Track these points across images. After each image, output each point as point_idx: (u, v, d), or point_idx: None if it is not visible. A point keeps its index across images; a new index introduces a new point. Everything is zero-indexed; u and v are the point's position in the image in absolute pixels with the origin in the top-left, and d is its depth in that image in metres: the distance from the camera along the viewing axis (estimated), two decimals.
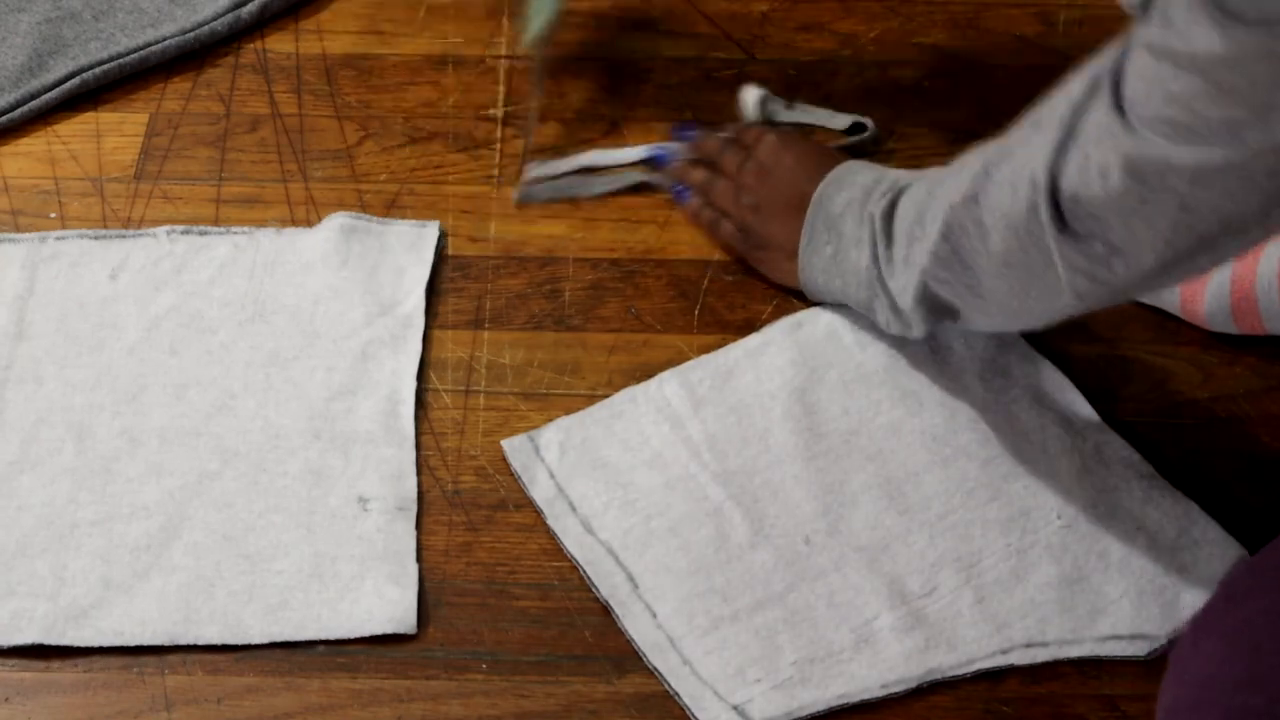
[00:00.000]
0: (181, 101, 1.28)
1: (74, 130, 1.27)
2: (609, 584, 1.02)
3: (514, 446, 1.08)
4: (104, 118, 1.27)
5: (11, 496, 1.06)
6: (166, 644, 1.00)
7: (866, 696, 0.97)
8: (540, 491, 1.06)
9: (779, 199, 1.14)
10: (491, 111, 1.28)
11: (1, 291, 1.15)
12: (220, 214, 1.21)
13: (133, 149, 1.25)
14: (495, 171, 1.24)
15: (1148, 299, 1.13)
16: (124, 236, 1.19)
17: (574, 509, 1.05)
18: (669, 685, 0.97)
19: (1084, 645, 0.98)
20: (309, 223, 1.20)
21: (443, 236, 1.19)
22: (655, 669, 0.98)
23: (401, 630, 1.00)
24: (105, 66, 1.28)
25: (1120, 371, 1.12)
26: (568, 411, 1.10)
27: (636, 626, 1.00)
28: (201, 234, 1.19)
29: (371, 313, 1.14)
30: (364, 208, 1.21)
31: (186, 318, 1.14)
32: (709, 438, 1.08)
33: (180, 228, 1.19)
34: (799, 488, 1.05)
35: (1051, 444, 1.07)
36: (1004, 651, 0.98)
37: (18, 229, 1.20)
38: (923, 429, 1.07)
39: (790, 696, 0.97)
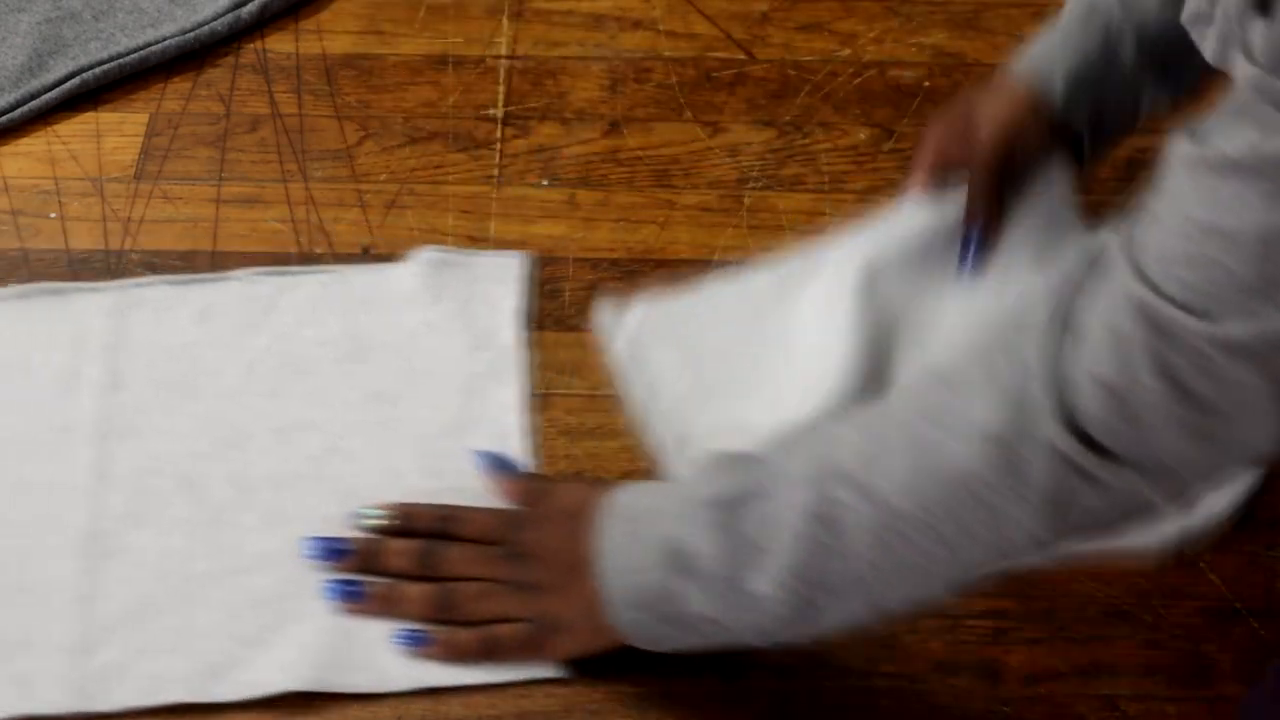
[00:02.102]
0: (181, 101, 1.28)
1: (74, 130, 1.27)
2: (659, 441, 1.07)
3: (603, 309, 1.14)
4: (104, 118, 1.28)
5: (127, 553, 1.02)
6: (313, 690, 0.96)
7: None
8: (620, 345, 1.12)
9: (559, 559, 0.95)
10: (491, 111, 1.28)
11: (88, 343, 1.12)
12: (220, 214, 1.21)
13: (133, 149, 1.25)
14: (495, 171, 1.24)
15: None
16: (204, 281, 1.15)
17: (644, 371, 1.10)
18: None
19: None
20: (309, 222, 1.20)
21: (528, 263, 1.17)
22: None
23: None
24: (105, 66, 1.28)
25: None
26: (568, 412, 1.10)
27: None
28: (283, 274, 1.16)
29: (469, 346, 1.12)
30: (364, 208, 1.21)
31: (280, 359, 1.12)
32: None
33: (261, 269, 1.16)
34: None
35: None
36: None
37: (18, 229, 1.20)
38: None
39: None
